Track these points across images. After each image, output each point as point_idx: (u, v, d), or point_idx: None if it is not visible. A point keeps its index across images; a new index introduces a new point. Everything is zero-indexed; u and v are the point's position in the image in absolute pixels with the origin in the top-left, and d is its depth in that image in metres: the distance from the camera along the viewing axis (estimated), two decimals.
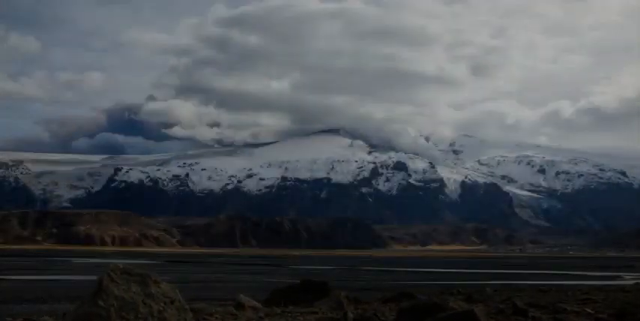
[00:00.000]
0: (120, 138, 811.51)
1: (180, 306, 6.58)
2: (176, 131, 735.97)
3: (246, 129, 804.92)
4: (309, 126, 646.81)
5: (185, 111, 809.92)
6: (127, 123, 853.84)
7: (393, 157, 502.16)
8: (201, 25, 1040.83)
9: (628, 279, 58.91)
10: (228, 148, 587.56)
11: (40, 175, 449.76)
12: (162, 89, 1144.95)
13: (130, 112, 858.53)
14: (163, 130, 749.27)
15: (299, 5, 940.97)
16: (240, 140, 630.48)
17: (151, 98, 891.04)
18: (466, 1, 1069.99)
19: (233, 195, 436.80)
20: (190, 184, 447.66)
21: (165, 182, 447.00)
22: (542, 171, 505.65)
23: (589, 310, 10.28)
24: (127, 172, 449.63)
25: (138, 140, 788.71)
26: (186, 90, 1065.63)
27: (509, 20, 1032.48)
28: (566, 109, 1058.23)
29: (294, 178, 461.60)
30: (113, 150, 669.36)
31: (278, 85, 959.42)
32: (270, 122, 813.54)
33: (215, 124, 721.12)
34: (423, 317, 6.85)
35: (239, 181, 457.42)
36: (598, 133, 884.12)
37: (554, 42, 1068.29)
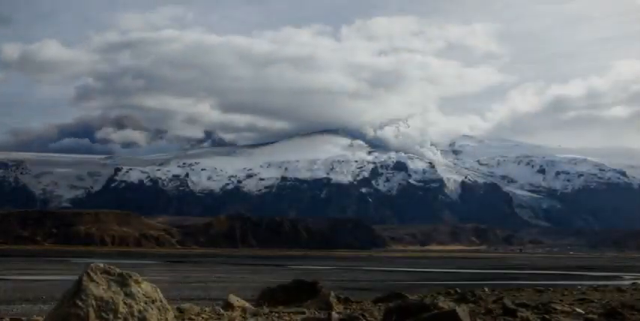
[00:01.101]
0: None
1: (162, 306, 6.51)
2: None
3: None
4: (309, 126, 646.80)
5: None
6: None
7: (392, 157, 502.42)
8: None
9: (627, 279, 58.91)
10: (228, 148, 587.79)
11: (39, 175, 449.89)
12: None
13: None
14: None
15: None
16: None
17: None
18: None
19: (233, 195, 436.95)
20: (190, 184, 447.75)
21: (165, 182, 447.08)
22: (542, 171, 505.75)
23: (579, 310, 10.26)
24: (126, 172, 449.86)
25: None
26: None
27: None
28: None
29: (294, 178, 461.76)
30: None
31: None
32: None
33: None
34: (406, 317, 6.84)
35: (239, 181, 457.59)
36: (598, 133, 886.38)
37: None
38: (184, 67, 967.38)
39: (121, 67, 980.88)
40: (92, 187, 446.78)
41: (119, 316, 6.32)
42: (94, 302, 6.22)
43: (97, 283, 6.40)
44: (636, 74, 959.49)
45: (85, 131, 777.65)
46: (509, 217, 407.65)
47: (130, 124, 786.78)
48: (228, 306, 9.45)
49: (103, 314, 6.24)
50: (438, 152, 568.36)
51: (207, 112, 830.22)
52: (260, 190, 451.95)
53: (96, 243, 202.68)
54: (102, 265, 6.61)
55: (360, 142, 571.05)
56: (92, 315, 6.19)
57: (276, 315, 8.90)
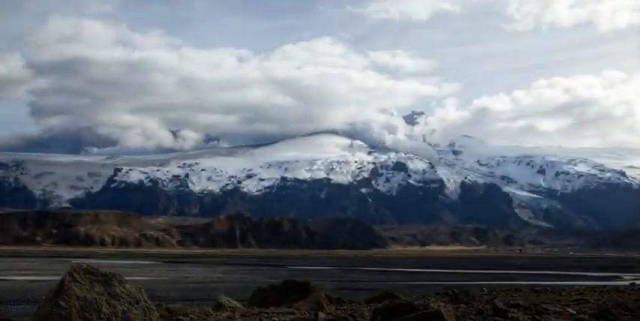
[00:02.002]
0: None
1: (146, 306, 6.47)
2: None
3: None
4: (308, 126, 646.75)
5: None
6: None
7: (392, 157, 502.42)
8: None
9: (627, 280, 58.87)
10: (227, 148, 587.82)
11: (39, 175, 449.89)
12: None
13: None
14: None
15: None
16: None
17: None
18: None
19: (233, 195, 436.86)
20: (190, 185, 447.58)
21: (164, 182, 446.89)
22: (541, 171, 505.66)
23: (571, 311, 10.22)
24: (126, 172, 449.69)
25: None
26: None
27: None
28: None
29: (294, 179, 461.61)
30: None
31: None
32: None
33: None
34: (393, 317, 6.82)
35: (239, 182, 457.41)
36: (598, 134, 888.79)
37: None
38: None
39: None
40: (92, 188, 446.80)
41: (102, 316, 6.29)
42: (76, 302, 6.18)
43: (80, 283, 6.35)
44: None
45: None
46: (509, 218, 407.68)
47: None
48: (219, 306, 9.42)
49: (86, 314, 6.21)
50: (438, 152, 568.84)
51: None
52: (260, 190, 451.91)
53: (96, 243, 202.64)
54: (85, 265, 6.57)
55: (360, 142, 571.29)
56: (75, 315, 6.16)
57: (265, 315, 8.87)
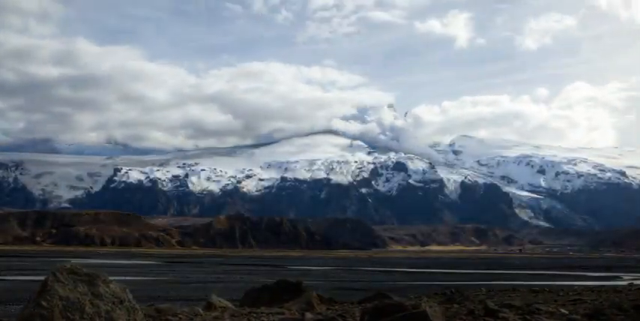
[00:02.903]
0: None
1: (130, 306, 6.43)
2: None
3: None
4: (308, 126, 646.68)
5: None
6: None
7: (392, 157, 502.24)
8: None
9: (627, 280, 58.88)
10: (227, 148, 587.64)
11: (39, 175, 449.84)
12: None
13: None
14: None
15: None
16: None
17: None
18: None
19: (232, 195, 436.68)
20: (190, 185, 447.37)
21: (164, 183, 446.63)
22: (541, 171, 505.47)
23: (564, 311, 10.19)
24: (126, 172, 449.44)
25: None
26: None
27: None
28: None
29: (294, 179, 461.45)
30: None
31: None
32: None
33: None
34: (380, 317, 6.80)
35: (238, 182, 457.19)
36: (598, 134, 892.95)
37: None
38: None
39: None
40: (92, 188, 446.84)
41: (85, 316, 6.24)
42: (59, 302, 6.14)
43: (63, 283, 6.31)
44: None
45: None
46: (509, 218, 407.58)
47: None
48: (210, 306, 9.41)
49: (69, 314, 6.17)
50: (438, 153, 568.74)
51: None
52: (260, 190, 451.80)
53: (95, 243, 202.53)
54: (69, 265, 6.53)
55: (360, 142, 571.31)
56: (57, 315, 6.12)
57: (255, 315, 8.85)
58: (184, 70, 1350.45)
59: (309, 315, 7.52)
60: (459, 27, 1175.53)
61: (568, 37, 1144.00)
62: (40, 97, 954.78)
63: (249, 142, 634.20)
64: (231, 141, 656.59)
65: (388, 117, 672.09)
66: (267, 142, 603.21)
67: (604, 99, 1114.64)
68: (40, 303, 6.08)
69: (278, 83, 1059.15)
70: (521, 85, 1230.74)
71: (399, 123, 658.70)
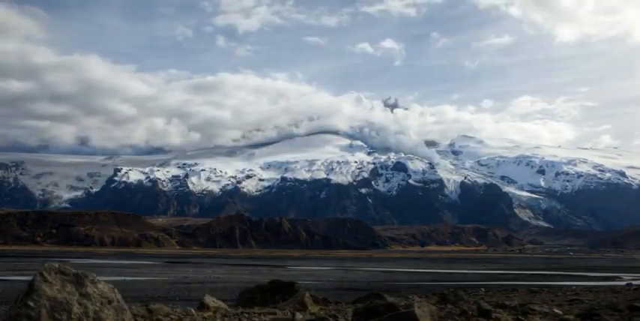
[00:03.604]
0: None
1: (119, 306, 6.39)
2: None
3: None
4: (308, 126, 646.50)
5: None
6: None
7: (392, 157, 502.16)
8: None
9: (626, 280, 58.91)
10: (227, 148, 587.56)
11: (39, 175, 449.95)
12: None
13: None
14: None
15: None
16: None
17: None
18: None
19: (232, 196, 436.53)
20: (190, 185, 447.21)
21: (164, 183, 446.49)
22: (541, 172, 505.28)
23: (557, 311, 10.17)
24: (126, 172, 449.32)
25: None
26: None
27: None
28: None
29: (294, 179, 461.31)
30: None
31: None
32: None
33: None
34: (370, 317, 6.79)
35: (238, 182, 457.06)
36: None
37: None
38: None
39: None
40: (92, 188, 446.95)
41: (73, 316, 6.20)
42: (46, 302, 6.10)
43: (51, 283, 6.26)
44: None
45: None
46: (509, 218, 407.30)
47: None
48: (203, 307, 9.40)
49: (56, 315, 6.13)
50: (438, 153, 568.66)
51: None
52: (260, 190, 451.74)
53: (95, 244, 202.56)
54: (57, 265, 6.48)
55: (360, 142, 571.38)
56: (44, 315, 6.08)
57: (246, 316, 8.84)
58: None
59: (299, 315, 7.51)
60: None
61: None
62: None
63: (249, 142, 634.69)
64: (231, 141, 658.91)
65: (388, 117, 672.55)
66: (267, 142, 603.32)
67: None
68: (27, 303, 6.04)
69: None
70: None
71: (399, 123, 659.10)
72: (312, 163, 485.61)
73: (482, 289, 26.47)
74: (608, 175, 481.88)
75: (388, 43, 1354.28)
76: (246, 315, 8.82)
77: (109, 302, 6.38)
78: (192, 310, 8.66)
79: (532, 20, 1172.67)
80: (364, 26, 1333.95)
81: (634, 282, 44.64)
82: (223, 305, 9.50)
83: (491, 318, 8.33)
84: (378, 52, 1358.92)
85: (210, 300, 9.38)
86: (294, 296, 10.67)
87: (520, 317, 8.69)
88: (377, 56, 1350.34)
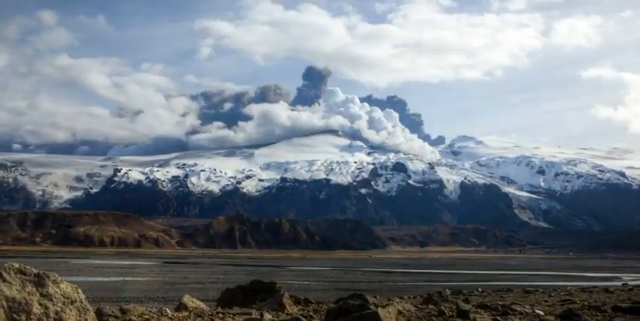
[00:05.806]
0: None
1: (82, 306, 6.30)
2: None
3: None
4: (308, 127, 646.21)
5: None
6: None
7: (392, 158, 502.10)
8: None
9: (625, 280, 58.99)
10: (227, 148, 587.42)
11: (39, 175, 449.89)
12: None
13: None
14: None
15: None
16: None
17: None
18: None
19: (232, 196, 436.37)
20: (189, 185, 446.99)
21: (164, 183, 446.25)
22: (541, 172, 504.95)
23: (539, 312, 10.15)
24: (126, 173, 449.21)
25: None
26: None
27: None
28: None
29: (294, 179, 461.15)
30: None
31: None
32: None
33: None
34: (339, 317, 6.77)
35: (238, 182, 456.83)
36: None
37: None
38: None
39: None
40: (91, 188, 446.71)
41: (32, 316, 6.12)
42: (4, 303, 6.01)
43: (10, 283, 6.18)
44: None
45: None
46: (509, 218, 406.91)
47: None
48: (182, 307, 9.36)
49: (14, 315, 6.05)
50: (438, 153, 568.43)
51: None
52: (259, 191, 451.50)
53: (95, 244, 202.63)
54: (17, 264, 6.39)
55: (360, 142, 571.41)
56: (2, 316, 6.02)
57: (220, 316, 8.80)
58: None
59: (267, 316, 7.48)
60: None
61: None
62: None
63: (249, 142, 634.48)
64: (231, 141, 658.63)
65: (388, 116, 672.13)
66: (266, 142, 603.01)
67: None
68: None
69: None
70: None
71: (399, 123, 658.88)
72: (311, 163, 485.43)
73: (479, 290, 26.51)
74: (608, 175, 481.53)
75: None
76: (220, 315, 8.79)
77: (72, 302, 6.28)
78: (168, 310, 8.63)
79: None
80: None
81: (632, 283, 44.65)
82: (202, 305, 9.48)
83: (468, 318, 8.30)
84: None
85: (189, 300, 9.34)
86: (274, 297, 10.65)
87: (499, 318, 8.65)
88: None
